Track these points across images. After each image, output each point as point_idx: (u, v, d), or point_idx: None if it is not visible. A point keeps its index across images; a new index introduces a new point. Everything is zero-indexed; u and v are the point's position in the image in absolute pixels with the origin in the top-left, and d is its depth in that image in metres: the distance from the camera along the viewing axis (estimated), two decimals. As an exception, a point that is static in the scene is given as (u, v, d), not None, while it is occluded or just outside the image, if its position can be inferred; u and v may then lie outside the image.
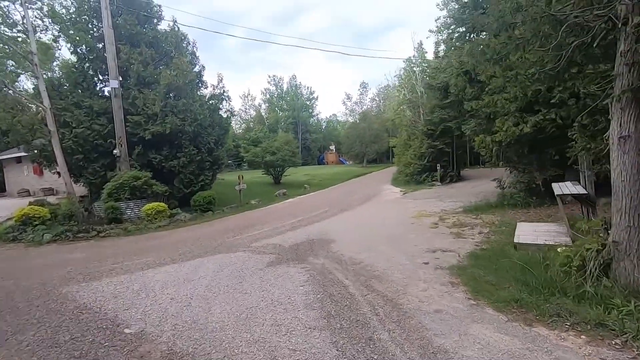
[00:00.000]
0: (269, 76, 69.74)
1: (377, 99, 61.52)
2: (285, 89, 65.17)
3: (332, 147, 61.14)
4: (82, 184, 14.61)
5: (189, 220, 12.60)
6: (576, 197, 5.46)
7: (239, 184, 15.85)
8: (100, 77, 14.46)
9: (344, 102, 62.61)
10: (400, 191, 17.84)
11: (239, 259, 6.76)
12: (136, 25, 13.62)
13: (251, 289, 4.97)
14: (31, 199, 19.56)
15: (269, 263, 6.29)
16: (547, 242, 5.39)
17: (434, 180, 19.60)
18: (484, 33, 5.98)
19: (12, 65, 13.16)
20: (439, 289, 4.46)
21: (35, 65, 12.09)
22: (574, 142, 5.79)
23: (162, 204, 12.32)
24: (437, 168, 19.67)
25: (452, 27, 11.75)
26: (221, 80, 16.00)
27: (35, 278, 6.31)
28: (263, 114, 63.12)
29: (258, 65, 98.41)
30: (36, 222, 10.77)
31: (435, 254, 6.17)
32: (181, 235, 10.15)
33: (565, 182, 6.32)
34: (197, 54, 15.74)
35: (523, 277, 4.27)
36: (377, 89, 64.25)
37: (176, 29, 14.81)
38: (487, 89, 9.05)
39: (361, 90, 60.89)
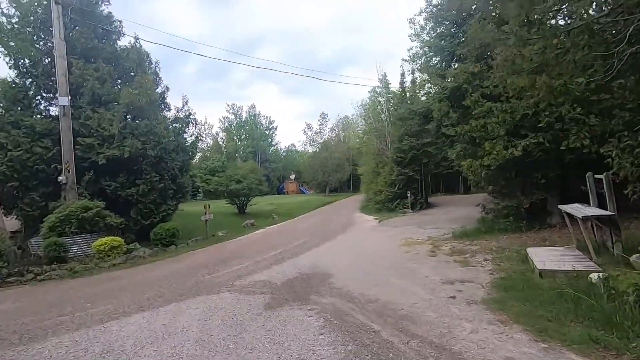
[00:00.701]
0: (228, 104, 68.61)
1: (337, 129, 62.66)
2: (244, 117, 64.39)
3: (292, 177, 60.45)
4: (14, 216, 12.37)
5: (149, 257, 10.99)
6: (599, 218, 5.23)
7: (205, 213, 14.44)
8: (45, 95, 12.73)
9: (305, 132, 62.60)
10: (375, 219, 17.41)
11: (226, 301, 5.64)
12: (93, 39, 12.31)
13: (257, 342, 3.94)
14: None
15: (265, 306, 5.26)
16: (576, 268, 5.01)
17: (405, 208, 19.52)
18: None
19: None
20: (491, 329, 3.79)
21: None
22: (610, 159, 5.59)
23: (117, 238, 10.65)
24: (408, 195, 19.68)
25: (428, 55, 12.01)
26: (186, 103, 14.93)
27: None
28: (221, 142, 61.41)
29: (214, 96, 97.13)
30: (-49, 265, 8.64)
31: (454, 286, 5.55)
32: (144, 275, 8.64)
33: (573, 205, 6.14)
34: (160, 75, 14.61)
35: (583, 311, 3.75)
36: (336, 120, 65.65)
37: (138, 45, 13.68)
38: (473, 113, 9.05)
39: (321, 120, 61.63)
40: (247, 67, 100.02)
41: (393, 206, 20.01)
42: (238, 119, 63.86)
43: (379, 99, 27.72)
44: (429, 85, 14.46)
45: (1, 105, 11.59)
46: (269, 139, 65.47)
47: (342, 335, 3.92)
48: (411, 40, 13.75)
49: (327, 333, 4.03)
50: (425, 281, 5.94)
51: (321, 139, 60.66)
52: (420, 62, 13.43)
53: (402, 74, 21.23)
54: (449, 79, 10.11)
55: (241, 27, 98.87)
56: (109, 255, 10.25)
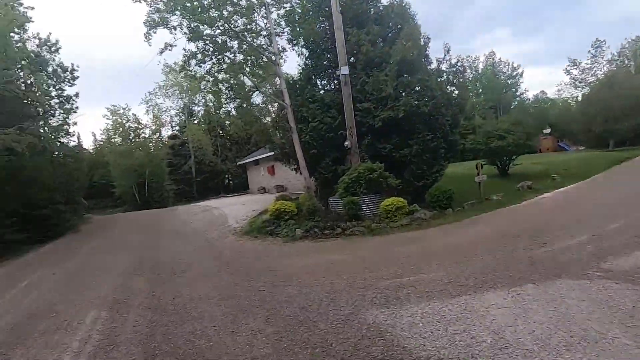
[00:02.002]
0: (461, 57, 62.56)
1: (621, 58, 45.01)
2: (480, 69, 56.89)
3: (547, 131, 48.79)
4: (312, 179, 14.81)
5: (431, 219, 10.40)
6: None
7: (478, 174, 12.67)
8: (327, 70, 14.21)
9: (567, 71, 48.25)
10: None
11: (617, 294, 3.69)
12: (361, 4, 12.55)
13: None
14: (268, 195, 22.35)
15: None
16: None
17: None
18: None
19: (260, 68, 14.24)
20: None
21: (277, 65, 12.63)
22: None
23: (401, 199, 10.58)
24: None
25: None
26: (448, 52, 13.24)
27: (318, 289, 5.10)
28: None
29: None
30: (286, 217, 10.89)
31: None
32: (444, 239, 7.89)
33: None
34: (420, 25, 13.50)
35: None
36: (619, 46, 46.82)
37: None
38: None
39: (594, 51, 45.71)
40: (470, 16, 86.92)
41: None
42: (474, 72, 57.07)
43: None
44: None
45: (299, 84, 13.76)
46: (513, 89, 55.40)
47: None
48: None
49: None
50: None
51: (594, 76, 45.38)
52: None
53: None
54: None
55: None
56: (395, 216, 10.32)
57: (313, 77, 13.88)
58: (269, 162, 25.18)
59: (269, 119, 28.76)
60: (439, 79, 12.84)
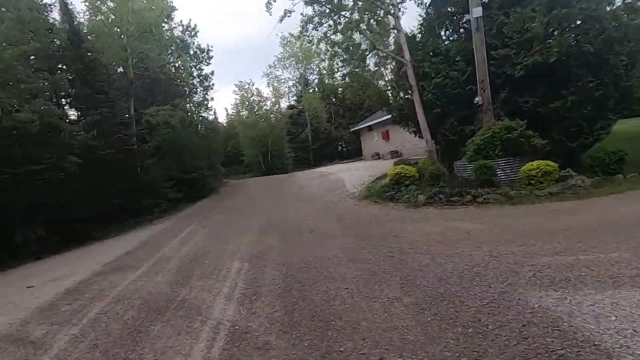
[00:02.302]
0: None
1: None
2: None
3: None
4: (433, 142, 13.61)
5: (592, 187, 8.37)
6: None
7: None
8: (451, 18, 12.43)
9: None
10: None
11: None
12: None
13: None
14: (382, 161, 21.82)
15: None
16: None
17: None
18: None
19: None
20: None
21: (397, 18, 11.57)
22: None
23: (550, 162, 8.76)
24: None
25: None
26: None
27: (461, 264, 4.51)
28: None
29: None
30: (407, 182, 10.28)
31: None
32: (617, 211, 6.21)
33: None
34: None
35: None
36: None
37: None
38: None
39: None
40: None
41: None
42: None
43: None
44: None
45: (419, 38, 12.44)
46: None
47: None
48: None
49: None
50: None
51: None
52: None
53: None
54: None
55: None
56: (541, 182, 8.65)
57: (435, 27, 12.33)
58: (383, 127, 24.41)
59: (382, 82, 27.70)
60: (610, 6, 9.85)
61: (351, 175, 16.44)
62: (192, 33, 21.36)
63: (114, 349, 3.49)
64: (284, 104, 41.41)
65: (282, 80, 40.79)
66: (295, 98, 42.17)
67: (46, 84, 12.32)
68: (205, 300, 4.45)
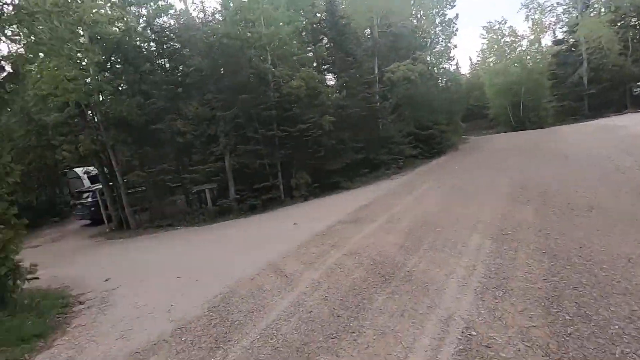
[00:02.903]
0: None
1: None
2: None
3: None
4: None
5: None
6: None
7: None
8: None
9: None
10: None
11: None
12: None
13: None
14: None
15: None
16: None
17: None
18: None
19: None
20: None
21: None
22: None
23: None
24: None
25: None
26: None
27: None
28: None
29: None
30: None
31: None
32: None
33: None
34: None
35: None
36: None
37: None
38: None
39: None
40: None
41: None
42: None
43: None
44: None
45: None
46: None
47: None
48: None
49: None
50: None
51: None
52: None
53: None
54: None
55: None
56: None
57: None
58: None
59: None
60: None
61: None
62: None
63: (340, 309, 3.45)
64: (546, 40, 32.65)
65: (548, 9, 31.80)
66: (564, 30, 32.18)
67: (311, 54, 14.57)
68: (435, 279, 3.78)
